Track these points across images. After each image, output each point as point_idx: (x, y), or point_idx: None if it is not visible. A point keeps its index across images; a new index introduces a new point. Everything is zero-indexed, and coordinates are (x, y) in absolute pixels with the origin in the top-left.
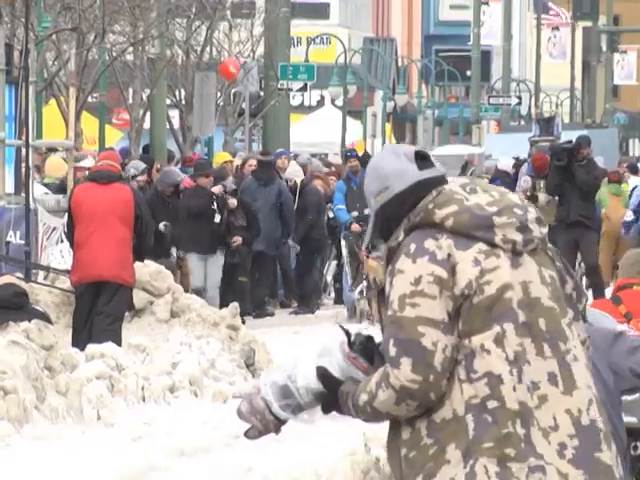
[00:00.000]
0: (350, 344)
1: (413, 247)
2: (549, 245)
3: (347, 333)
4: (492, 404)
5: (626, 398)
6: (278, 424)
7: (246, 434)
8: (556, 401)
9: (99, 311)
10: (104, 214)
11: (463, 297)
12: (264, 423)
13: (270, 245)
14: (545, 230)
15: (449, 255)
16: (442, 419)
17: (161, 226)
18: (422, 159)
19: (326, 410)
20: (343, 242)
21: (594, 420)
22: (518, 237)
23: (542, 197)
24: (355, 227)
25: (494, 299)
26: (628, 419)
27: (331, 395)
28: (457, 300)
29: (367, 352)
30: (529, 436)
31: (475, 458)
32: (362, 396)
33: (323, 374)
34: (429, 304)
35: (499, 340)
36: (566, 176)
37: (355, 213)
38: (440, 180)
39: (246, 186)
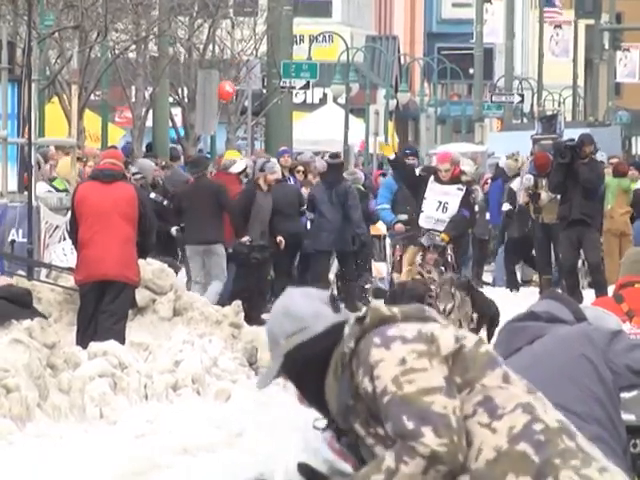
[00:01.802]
0: (338, 439)
1: (378, 340)
2: None
3: (338, 431)
4: (538, 426)
5: (624, 396)
6: None
7: None
8: None
9: (103, 310)
10: (108, 213)
11: (453, 354)
12: None
13: (334, 245)
14: None
15: (418, 331)
16: (485, 462)
17: (173, 230)
18: (333, 303)
19: None
20: (388, 241)
21: None
22: None
23: (544, 195)
24: (399, 227)
25: (473, 352)
26: (626, 417)
27: None
28: (449, 360)
29: (354, 449)
30: (580, 445)
31: (554, 475)
32: (374, 477)
33: (306, 470)
34: (423, 376)
35: (507, 379)
36: (569, 174)
37: (404, 216)
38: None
39: (314, 188)
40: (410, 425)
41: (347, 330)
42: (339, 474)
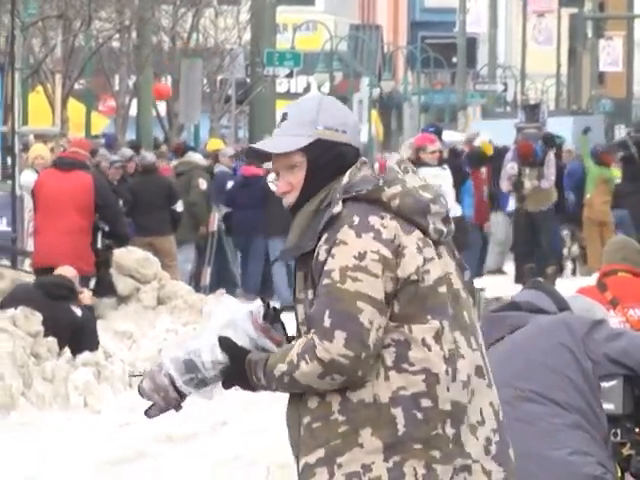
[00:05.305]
0: (265, 315)
1: (356, 220)
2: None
3: (267, 305)
4: (426, 403)
5: (604, 385)
6: (180, 400)
7: (147, 413)
8: (482, 394)
9: None
10: (62, 201)
11: (408, 281)
12: (167, 400)
13: None
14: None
15: (395, 236)
16: (360, 400)
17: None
18: None
19: (228, 385)
20: None
21: (502, 415)
22: (444, 228)
23: (528, 184)
24: None
25: (430, 290)
26: (606, 406)
27: (236, 366)
28: (398, 283)
29: (281, 324)
30: (458, 436)
31: (403, 458)
32: (279, 366)
33: (227, 344)
34: (371, 282)
35: (438, 336)
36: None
37: None
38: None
39: None
40: (327, 322)
41: (346, 179)
42: (261, 350)
